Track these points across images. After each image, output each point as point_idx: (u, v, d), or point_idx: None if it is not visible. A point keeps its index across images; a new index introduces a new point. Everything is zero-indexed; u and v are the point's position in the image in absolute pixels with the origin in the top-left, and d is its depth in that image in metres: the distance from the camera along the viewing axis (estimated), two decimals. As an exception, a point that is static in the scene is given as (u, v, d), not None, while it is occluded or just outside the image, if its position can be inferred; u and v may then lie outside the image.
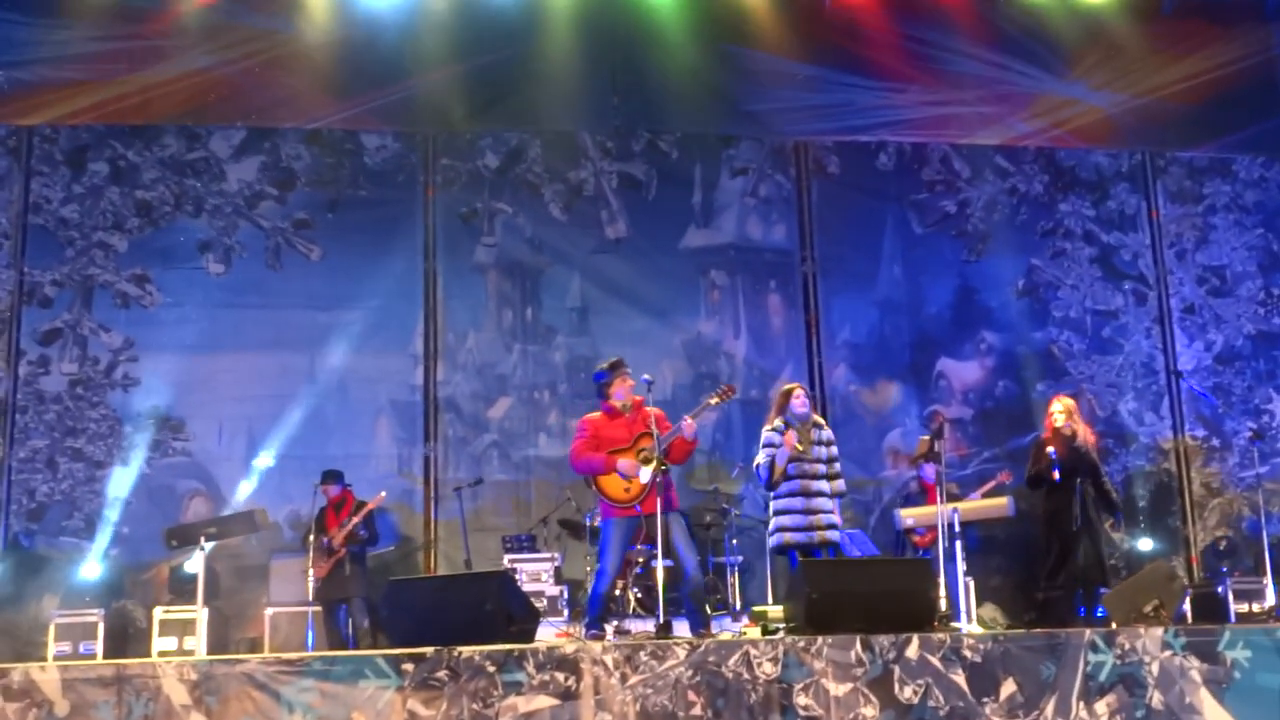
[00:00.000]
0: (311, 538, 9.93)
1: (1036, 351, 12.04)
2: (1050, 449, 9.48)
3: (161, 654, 9.49)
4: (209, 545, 8.93)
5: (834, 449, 8.49)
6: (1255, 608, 9.83)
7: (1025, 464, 10.13)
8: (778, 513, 8.33)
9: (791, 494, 8.27)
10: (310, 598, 9.91)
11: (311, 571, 9.84)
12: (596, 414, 8.08)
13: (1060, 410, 9.69)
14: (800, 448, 8.25)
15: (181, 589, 10.14)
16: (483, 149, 11.71)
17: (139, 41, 11.33)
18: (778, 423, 8.38)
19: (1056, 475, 9.35)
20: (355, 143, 11.57)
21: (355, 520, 9.95)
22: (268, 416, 11.01)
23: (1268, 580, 9.72)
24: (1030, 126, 12.32)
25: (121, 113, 11.29)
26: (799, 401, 8.38)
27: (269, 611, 10.12)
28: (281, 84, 11.49)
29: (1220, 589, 10.08)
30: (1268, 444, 11.58)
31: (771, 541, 8.42)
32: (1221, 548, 11.36)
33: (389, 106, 11.55)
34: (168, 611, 9.93)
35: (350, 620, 10.00)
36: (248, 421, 11.04)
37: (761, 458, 8.35)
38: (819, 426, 8.52)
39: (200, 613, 9.07)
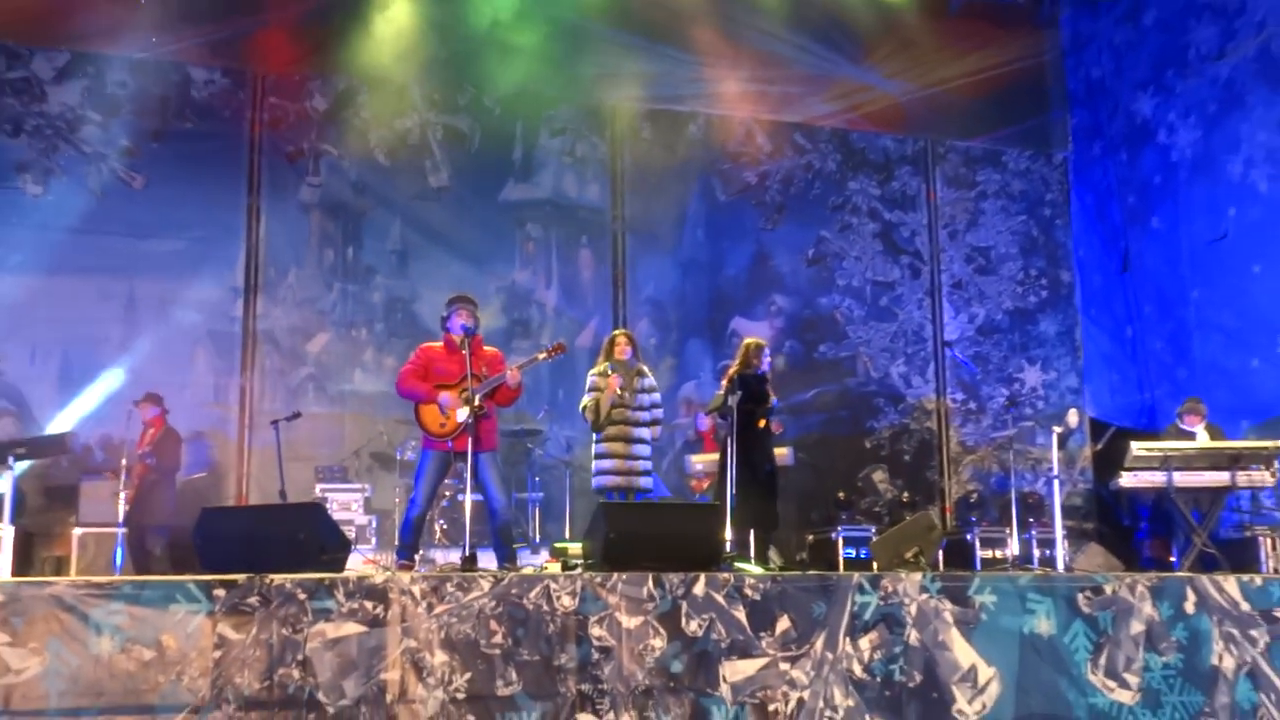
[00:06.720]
0: (124, 461, 9.96)
1: (821, 315, 12.89)
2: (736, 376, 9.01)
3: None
4: (17, 465, 8.94)
5: (655, 395, 8.82)
6: (998, 554, 10.93)
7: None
8: (599, 456, 8.65)
9: (611, 439, 8.60)
10: (120, 520, 9.90)
11: (122, 494, 9.87)
12: (437, 344, 8.06)
13: (758, 346, 9.21)
14: (621, 393, 8.56)
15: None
16: (311, 91, 11.84)
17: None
18: (602, 366, 8.72)
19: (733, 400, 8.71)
20: (183, 75, 11.51)
21: (140, 449, 10.10)
22: (84, 340, 10.93)
23: (1011, 531, 10.81)
24: (828, 108, 13.09)
25: (-65, 25, 10.84)
26: (620, 349, 8.72)
27: (77, 531, 10.12)
28: (109, 11, 11.29)
29: (969, 537, 11.04)
30: (1018, 409, 12.82)
31: (594, 483, 8.74)
32: (971, 500, 12.48)
33: (219, 43, 11.52)
34: (-30, 529, 9.73)
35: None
36: (62, 345, 10.94)
37: (588, 400, 8.67)
38: (642, 375, 8.78)
39: (6, 531, 8.99)
